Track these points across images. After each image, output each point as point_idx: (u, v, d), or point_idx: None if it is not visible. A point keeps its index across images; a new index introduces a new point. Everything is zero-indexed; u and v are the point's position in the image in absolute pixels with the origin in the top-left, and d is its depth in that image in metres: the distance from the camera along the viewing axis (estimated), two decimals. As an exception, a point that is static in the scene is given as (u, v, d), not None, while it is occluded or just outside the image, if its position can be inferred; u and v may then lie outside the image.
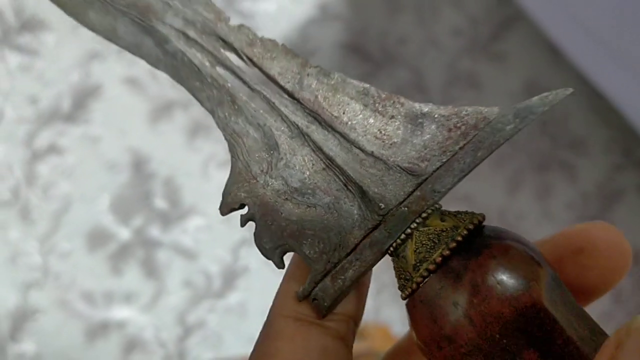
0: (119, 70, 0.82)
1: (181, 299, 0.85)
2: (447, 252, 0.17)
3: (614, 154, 0.87)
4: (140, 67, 0.83)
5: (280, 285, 0.20)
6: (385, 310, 0.84)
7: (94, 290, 0.84)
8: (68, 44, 0.82)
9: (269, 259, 0.19)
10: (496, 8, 0.85)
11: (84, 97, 0.83)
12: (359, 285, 0.19)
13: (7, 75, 0.81)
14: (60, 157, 0.83)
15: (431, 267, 0.17)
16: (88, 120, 0.83)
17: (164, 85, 0.83)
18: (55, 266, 0.84)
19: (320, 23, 0.84)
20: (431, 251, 0.17)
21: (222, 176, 0.84)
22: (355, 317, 0.19)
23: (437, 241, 0.17)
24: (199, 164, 0.84)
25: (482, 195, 0.85)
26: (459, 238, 0.17)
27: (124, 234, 0.84)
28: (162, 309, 0.85)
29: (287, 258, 0.20)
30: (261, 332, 0.19)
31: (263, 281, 0.85)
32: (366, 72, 0.84)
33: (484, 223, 0.18)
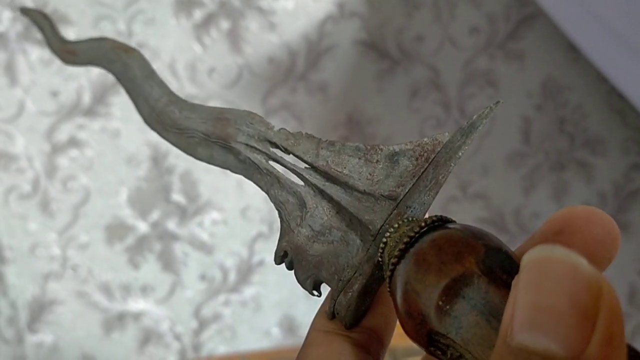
0: (138, 65, 0.83)
1: (197, 293, 0.85)
2: (402, 246, 0.20)
3: (631, 153, 0.86)
4: (160, 63, 0.83)
5: (319, 307, 0.24)
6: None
7: (111, 283, 0.85)
8: (89, 39, 0.83)
9: (304, 288, 0.24)
10: (514, 6, 0.84)
11: (104, 92, 0.83)
12: (380, 303, 0.23)
13: (28, 69, 0.82)
14: (80, 150, 0.84)
15: (394, 260, 0.21)
16: (107, 114, 0.84)
17: (183, 80, 0.83)
18: (74, 258, 0.84)
19: (338, 20, 0.84)
20: (394, 249, 0.21)
21: (238, 171, 0.84)
22: (378, 331, 0.23)
23: (399, 241, 0.21)
24: (216, 159, 0.84)
25: (497, 193, 0.85)
26: (412, 234, 0.21)
27: (141, 227, 0.85)
28: (178, 302, 0.85)
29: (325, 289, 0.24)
30: (303, 343, 0.24)
31: (277, 276, 0.86)
32: (383, 69, 0.84)
33: (452, 222, 0.21)
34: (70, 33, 0.83)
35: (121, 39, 0.83)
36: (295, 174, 0.26)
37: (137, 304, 0.85)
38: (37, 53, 0.82)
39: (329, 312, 0.23)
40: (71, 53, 0.36)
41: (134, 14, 0.83)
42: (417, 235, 0.20)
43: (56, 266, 0.84)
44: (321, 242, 0.24)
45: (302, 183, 0.26)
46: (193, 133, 0.29)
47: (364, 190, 0.24)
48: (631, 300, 0.86)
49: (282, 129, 0.27)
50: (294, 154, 0.27)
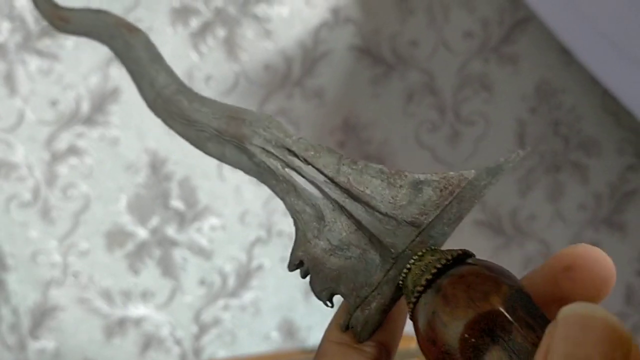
0: (136, 73, 0.84)
1: (196, 298, 0.86)
2: (429, 277, 0.22)
3: (626, 154, 0.86)
4: (157, 71, 0.84)
5: (334, 316, 0.25)
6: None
7: (111, 289, 0.86)
8: (86, 49, 0.83)
9: (319, 299, 0.25)
10: (507, 10, 0.85)
11: (103, 100, 0.84)
12: (390, 320, 0.25)
13: (27, 79, 0.83)
14: (79, 158, 0.85)
15: (420, 288, 0.22)
16: (106, 122, 0.84)
17: (179, 88, 0.84)
18: (74, 265, 0.85)
19: (333, 26, 0.85)
20: (421, 277, 0.22)
21: (236, 177, 0.85)
22: (387, 345, 0.24)
23: (425, 270, 0.22)
24: (214, 166, 0.85)
25: (494, 195, 0.86)
26: (439, 265, 0.22)
27: (141, 233, 0.85)
28: (178, 307, 0.86)
29: (337, 301, 0.25)
30: (315, 353, 0.24)
31: (276, 280, 0.86)
32: (378, 74, 0.85)
33: (473, 258, 0.23)
34: (68, 43, 0.83)
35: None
36: (313, 186, 0.27)
37: (137, 310, 0.86)
38: (36, 63, 0.83)
39: (343, 325, 0.24)
40: (64, 20, 0.33)
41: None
42: (444, 267, 0.22)
43: (57, 273, 0.85)
44: (338, 256, 0.25)
45: (320, 195, 0.27)
46: (203, 127, 0.29)
47: (386, 212, 0.25)
48: (628, 300, 0.86)
49: (301, 138, 0.28)
50: (313, 166, 0.27)
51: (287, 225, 0.86)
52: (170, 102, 0.30)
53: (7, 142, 0.83)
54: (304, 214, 0.26)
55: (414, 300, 0.22)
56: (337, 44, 0.84)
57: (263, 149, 0.28)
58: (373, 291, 0.24)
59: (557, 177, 0.86)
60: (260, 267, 0.86)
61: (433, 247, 0.24)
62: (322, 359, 0.23)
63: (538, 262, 0.88)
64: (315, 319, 0.85)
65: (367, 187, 0.26)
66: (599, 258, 0.21)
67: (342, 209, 0.26)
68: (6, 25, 0.82)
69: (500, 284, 0.21)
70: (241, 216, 0.86)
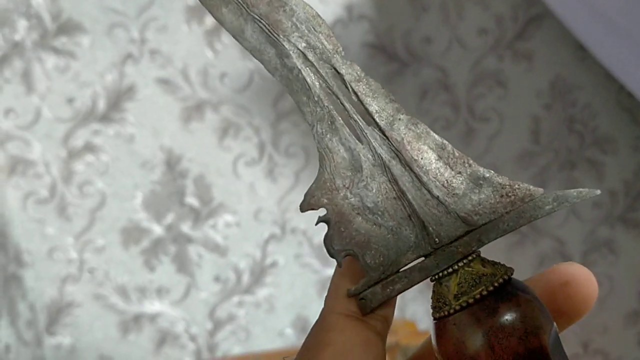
0: (152, 71, 0.84)
1: (211, 294, 0.86)
2: (485, 292, 0.21)
3: (642, 151, 0.86)
4: (173, 69, 0.85)
5: (332, 282, 0.24)
6: (410, 306, 0.85)
7: (127, 285, 0.86)
8: (103, 46, 0.84)
9: (333, 257, 0.23)
10: (522, 6, 0.85)
11: (118, 98, 0.85)
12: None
13: (44, 76, 0.84)
14: (95, 155, 0.85)
15: (470, 300, 0.21)
16: (122, 120, 0.85)
17: (195, 86, 0.84)
18: (90, 261, 0.86)
19: (347, 23, 0.85)
20: (473, 288, 0.21)
21: (250, 175, 0.85)
22: (388, 319, 0.23)
23: (478, 281, 0.21)
24: (229, 163, 0.85)
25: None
26: (496, 284, 0.21)
27: (156, 230, 0.86)
28: (192, 303, 0.86)
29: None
30: (315, 326, 0.23)
31: (290, 277, 0.87)
32: (392, 71, 0.85)
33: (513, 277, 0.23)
34: (84, 41, 0.84)
35: (134, 46, 0.84)
36: (356, 129, 0.23)
37: (152, 306, 0.86)
38: (53, 61, 0.84)
39: (353, 293, 0.23)
40: None
41: (146, 21, 0.84)
42: (499, 286, 0.21)
43: (73, 269, 0.86)
44: (368, 220, 0.23)
45: (361, 143, 0.23)
46: None
47: (437, 196, 0.23)
48: (643, 298, 0.86)
49: (353, 62, 0.23)
50: (363, 104, 0.23)
51: (301, 222, 0.86)
52: None
53: (24, 139, 0.84)
54: (336, 155, 0.23)
55: (456, 308, 0.21)
56: (350, 40, 0.84)
57: (302, 53, 0.23)
58: (399, 271, 0.23)
59: (571, 174, 0.86)
60: (274, 264, 0.86)
61: (481, 256, 0.23)
62: (331, 333, 0.22)
63: (552, 260, 0.88)
64: (329, 315, 0.85)
65: (421, 157, 0.23)
66: (590, 277, 0.23)
67: (385, 169, 0.23)
68: (23, 23, 0.83)
69: (550, 321, 0.21)
70: (256, 213, 0.86)
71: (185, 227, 0.86)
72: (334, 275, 0.24)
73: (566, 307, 0.23)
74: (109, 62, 0.84)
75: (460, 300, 0.21)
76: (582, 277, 0.23)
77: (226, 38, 0.85)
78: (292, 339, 0.86)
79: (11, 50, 0.83)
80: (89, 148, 0.85)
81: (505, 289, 0.21)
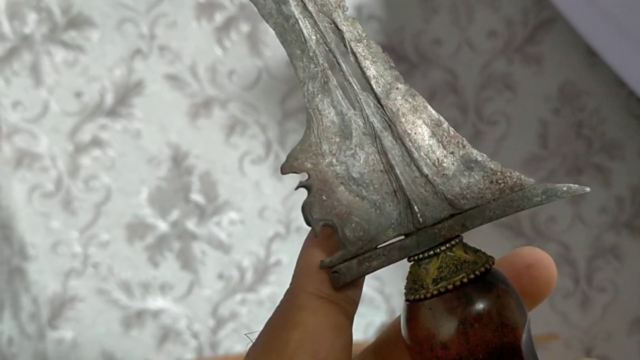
0: (160, 67, 0.84)
1: (214, 292, 0.86)
2: (465, 280, 0.21)
3: (650, 158, 0.86)
4: (181, 65, 0.84)
5: (303, 255, 0.22)
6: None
7: (130, 281, 0.86)
8: (112, 41, 0.84)
9: (310, 226, 0.22)
10: (532, 10, 0.84)
11: (126, 93, 0.85)
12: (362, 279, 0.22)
13: (52, 70, 0.84)
14: (102, 150, 0.85)
15: (450, 286, 0.21)
16: (129, 115, 0.85)
17: (203, 82, 0.84)
18: (95, 256, 0.86)
19: (357, 23, 0.85)
20: (453, 274, 0.21)
21: (256, 172, 0.85)
22: (357, 302, 0.23)
23: (459, 268, 0.21)
24: (235, 160, 0.85)
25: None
26: (477, 273, 0.21)
27: (161, 226, 0.86)
28: (195, 300, 0.86)
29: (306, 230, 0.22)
30: (284, 303, 0.22)
31: (294, 276, 0.86)
32: (401, 72, 0.84)
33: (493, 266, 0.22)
34: (93, 35, 0.84)
35: (144, 42, 0.84)
36: (351, 92, 0.22)
37: (155, 302, 0.86)
38: (62, 55, 0.84)
39: (326, 264, 0.21)
40: None
41: (156, 17, 0.84)
42: (480, 274, 0.21)
43: (77, 264, 0.86)
44: (351, 191, 0.22)
45: (353, 109, 0.22)
46: None
47: (426, 174, 0.22)
48: (648, 305, 0.86)
49: (355, 19, 0.22)
50: (360, 67, 0.22)
51: (306, 221, 0.86)
52: None
53: (32, 132, 0.84)
54: (325, 118, 0.22)
55: (434, 293, 0.21)
56: (360, 41, 0.84)
57: (301, 1, 0.22)
58: (378, 248, 0.21)
59: (578, 180, 0.86)
60: (278, 263, 0.86)
61: (463, 240, 0.22)
62: (302, 313, 0.21)
63: (558, 265, 0.88)
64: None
65: (415, 132, 0.22)
66: (550, 261, 0.24)
67: (376, 139, 0.22)
68: (33, 16, 0.83)
69: (525, 315, 0.21)
70: (260, 211, 0.86)
71: (190, 224, 0.86)
72: (304, 248, 0.22)
73: (530, 289, 0.23)
74: (117, 57, 0.84)
75: (439, 285, 0.21)
76: (545, 260, 0.24)
77: (235, 35, 0.85)
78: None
79: (20, 43, 0.83)
80: (96, 142, 0.85)
81: (485, 279, 0.21)
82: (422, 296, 0.21)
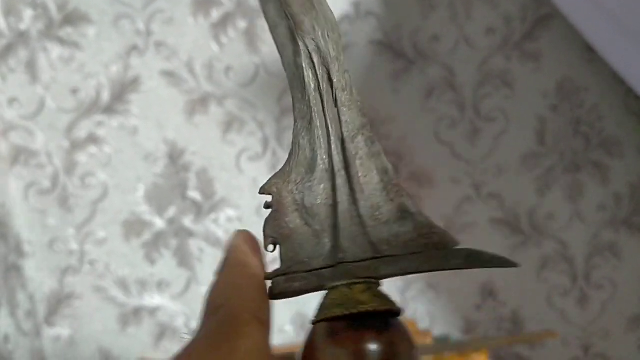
0: (157, 63, 0.84)
1: (211, 289, 0.86)
2: (336, 315, 0.22)
3: (648, 155, 0.85)
4: (178, 62, 0.84)
5: (242, 261, 0.24)
6: (411, 305, 0.85)
7: (127, 278, 0.86)
8: (108, 38, 0.84)
9: (263, 240, 0.24)
10: (530, 6, 0.84)
11: (123, 89, 0.84)
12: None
13: (48, 66, 0.83)
14: (99, 147, 0.85)
15: (322, 317, 0.22)
16: (126, 112, 0.85)
17: (200, 79, 0.84)
18: (91, 253, 0.86)
19: (354, 20, 0.84)
20: (335, 307, 0.22)
21: (253, 169, 0.85)
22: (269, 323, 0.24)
23: (342, 303, 0.22)
24: (232, 157, 0.85)
25: (511, 194, 0.85)
26: (347, 312, 0.21)
27: (158, 223, 0.86)
28: (193, 297, 0.86)
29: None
30: (226, 319, 0.22)
31: (292, 273, 0.86)
32: (398, 68, 0.84)
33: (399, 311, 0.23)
34: (90, 32, 0.84)
35: (140, 38, 0.84)
36: (328, 133, 0.24)
37: (153, 299, 0.86)
38: (58, 51, 0.84)
39: (267, 276, 0.24)
40: None
41: (152, 13, 0.84)
42: (351, 315, 0.21)
43: (74, 261, 0.86)
44: (302, 218, 0.24)
45: (325, 146, 0.24)
46: None
47: (362, 215, 0.23)
48: (646, 302, 0.86)
49: (347, 71, 0.25)
50: (338, 112, 0.24)
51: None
52: None
53: (28, 129, 0.84)
54: (302, 153, 0.24)
55: (321, 318, 0.22)
56: (357, 37, 0.84)
57: (309, 54, 0.24)
58: (304, 272, 0.23)
59: (576, 177, 0.85)
60: (275, 261, 0.86)
61: (371, 282, 0.23)
62: (249, 326, 0.22)
63: (555, 263, 0.88)
64: (330, 313, 0.85)
65: (365, 175, 0.24)
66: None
67: (332, 176, 0.24)
68: (29, 12, 0.83)
69: None
70: (258, 209, 0.86)
71: (187, 221, 0.86)
72: (240, 254, 0.24)
73: None
74: (114, 54, 0.84)
75: (321, 315, 0.22)
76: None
77: (232, 32, 0.84)
78: (292, 335, 0.86)
79: (16, 40, 0.83)
80: (92, 139, 0.85)
81: (379, 321, 0.21)
82: (315, 320, 0.22)
